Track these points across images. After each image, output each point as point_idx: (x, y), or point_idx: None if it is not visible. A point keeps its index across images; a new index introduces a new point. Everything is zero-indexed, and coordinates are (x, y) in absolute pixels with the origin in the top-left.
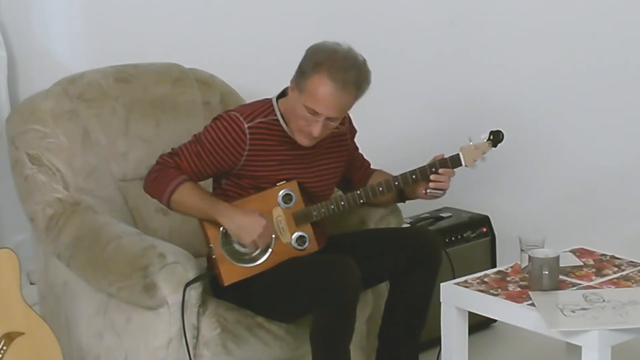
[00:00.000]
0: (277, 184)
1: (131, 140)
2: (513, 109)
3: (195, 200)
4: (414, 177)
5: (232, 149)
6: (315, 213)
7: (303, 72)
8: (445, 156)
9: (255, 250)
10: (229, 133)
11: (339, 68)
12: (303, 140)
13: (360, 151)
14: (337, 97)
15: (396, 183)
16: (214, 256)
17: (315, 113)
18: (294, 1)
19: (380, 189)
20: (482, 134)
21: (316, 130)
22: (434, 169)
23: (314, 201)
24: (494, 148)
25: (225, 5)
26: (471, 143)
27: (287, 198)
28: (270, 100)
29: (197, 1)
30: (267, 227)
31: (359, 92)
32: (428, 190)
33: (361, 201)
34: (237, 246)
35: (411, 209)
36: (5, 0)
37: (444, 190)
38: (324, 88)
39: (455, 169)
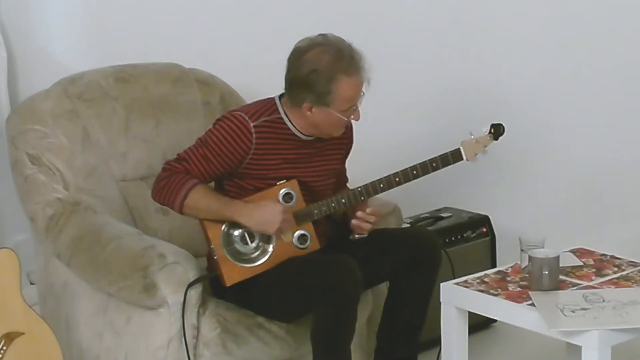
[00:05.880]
0: (278, 183)
1: (131, 140)
2: (514, 109)
3: (209, 202)
4: (414, 172)
5: (239, 148)
6: (316, 211)
7: (320, 93)
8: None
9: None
10: (235, 133)
11: (347, 65)
12: (340, 132)
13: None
14: (361, 81)
15: (397, 179)
16: (215, 257)
17: (352, 105)
18: (294, 1)
19: (382, 185)
20: (483, 127)
21: (359, 115)
22: (434, 164)
23: (315, 200)
24: (495, 141)
25: (225, 5)
26: (472, 137)
27: (287, 197)
28: (272, 99)
29: (197, 1)
30: (285, 210)
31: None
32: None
33: (362, 198)
34: (238, 246)
35: (411, 209)
36: (5, 0)
37: (365, 231)
38: (350, 87)
39: (456, 163)
